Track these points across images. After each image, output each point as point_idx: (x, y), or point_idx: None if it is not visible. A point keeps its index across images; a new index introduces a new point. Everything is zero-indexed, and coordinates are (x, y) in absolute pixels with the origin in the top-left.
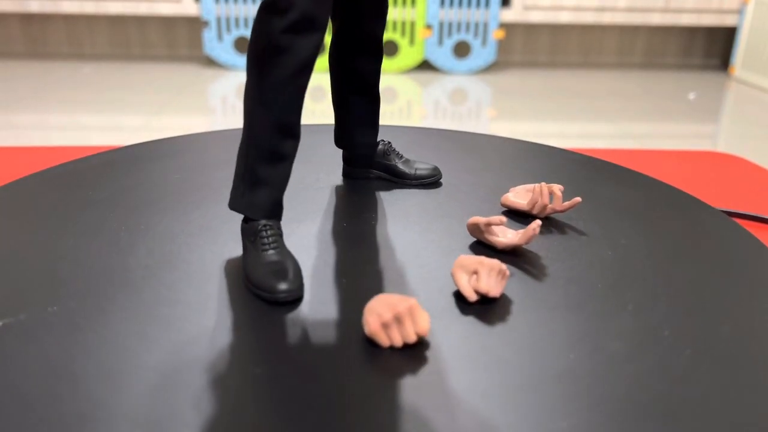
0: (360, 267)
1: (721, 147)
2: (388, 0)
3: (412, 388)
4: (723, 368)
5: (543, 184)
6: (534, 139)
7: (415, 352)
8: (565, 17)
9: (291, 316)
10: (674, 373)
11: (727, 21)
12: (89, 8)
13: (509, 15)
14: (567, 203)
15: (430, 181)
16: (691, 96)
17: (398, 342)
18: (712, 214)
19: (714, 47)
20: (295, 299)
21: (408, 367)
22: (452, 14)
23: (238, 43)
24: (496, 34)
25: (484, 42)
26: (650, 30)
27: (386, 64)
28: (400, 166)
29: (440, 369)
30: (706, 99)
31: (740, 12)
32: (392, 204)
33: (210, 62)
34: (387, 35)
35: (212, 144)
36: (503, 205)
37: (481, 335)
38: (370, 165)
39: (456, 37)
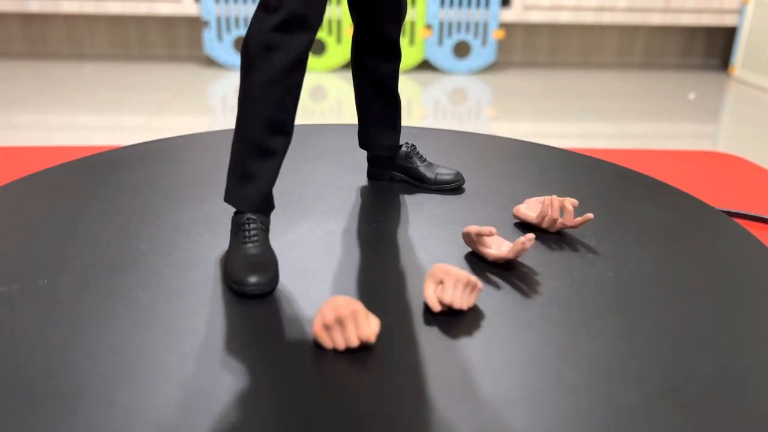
0: (343, 267)
1: (721, 147)
2: (404, 3)
3: (340, 391)
4: (721, 370)
5: (554, 197)
6: (534, 139)
7: (357, 356)
8: (565, 17)
9: (253, 309)
10: (620, 411)
11: (727, 21)
12: (89, 8)
13: (509, 15)
14: (578, 219)
15: (451, 187)
16: (691, 96)
17: (340, 345)
18: (712, 215)
19: (714, 47)
20: (262, 293)
21: (342, 369)
22: (452, 14)
23: (238, 43)
24: (496, 34)
25: (484, 42)
26: (650, 30)
27: None
28: (422, 169)
29: (374, 376)
30: (706, 99)
31: (740, 12)
32: (404, 207)
33: (210, 62)
34: None
35: (212, 144)
36: (515, 216)
37: (431, 347)
38: (393, 167)
39: (456, 37)
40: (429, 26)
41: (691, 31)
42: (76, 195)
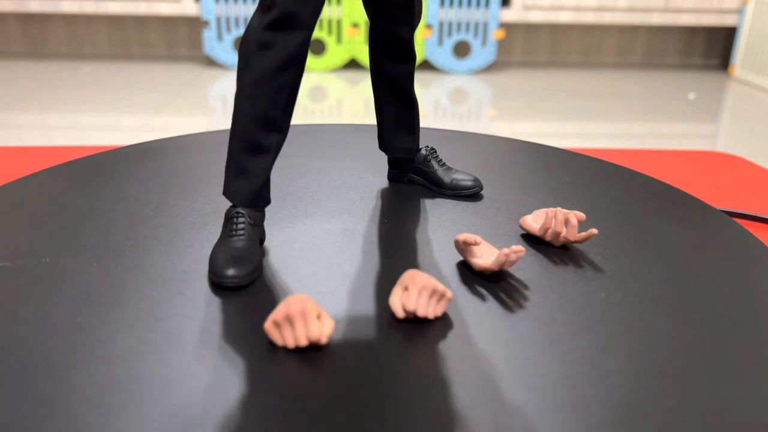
0: (328, 266)
1: (721, 147)
2: (417, 3)
3: (275, 388)
4: (720, 372)
5: (559, 209)
6: (534, 139)
7: (306, 356)
8: (565, 17)
9: (227, 301)
10: None
11: (727, 21)
12: (89, 8)
13: (509, 15)
14: (582, 235)
15: (468, 193)
16: (691, 96)
17: (290, 343)
18: (712, 215)
19: (714, 47)
20: (238, 287)
21: (286, 367)
22: (452, 14)
23: (238, 43)
24: (496, 34)
25: (484, 42)
26: (650, 30)
27: None
28: (438, 174)
29: (316, 376)
30: (706, 99)
31: (740, 12)
32: (412, 210)
33: (210, 62)
34: None
35: (212, 144)
36: (521, 227)
37: (386, 353)
38: (411, 170)
39: (456, 37)
40: (429, 26)
41: (691, 31)
42: (75, 195)
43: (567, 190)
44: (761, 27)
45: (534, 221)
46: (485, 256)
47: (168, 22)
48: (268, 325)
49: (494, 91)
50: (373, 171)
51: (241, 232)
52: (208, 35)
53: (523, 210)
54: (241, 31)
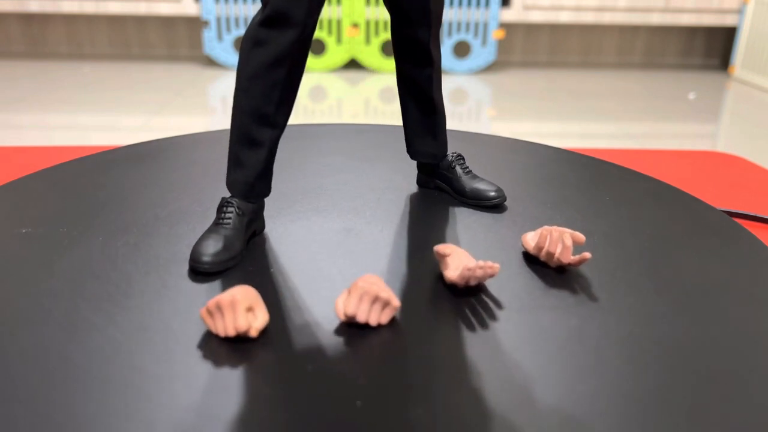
0: (305, 261)
1: (721, 147)
2: (434, 5)
3: (186, 378)
4: (719, 376)
5: (554, 228)
6: (534, 139)
7: (235, 346)
8: (565, 17)
9: (196, 286)
10: None
11: (727, 21)
12: (89, 8)
13: (509, 15)
14: (575, 258)
15: (488, 204)
16: (691, 96)
17: (220, 332)
18: (712, 215)
19: (714, 47)
20: (209, 273)
21: (204, 357)
22: (452, 14)
23: (238, 43)
24: (496, 34)
25: (484, 42)
26: (650, 30)
27: (386, 63)
28: (461, 181)
29: (235, 371)
30: (706, 99)
31: (740, 12)
32: (420, 217)
33: (210, 62)
34: (385, 34)
35: (212, 143)
36: (522, 244)
37: (315, 353)
38: (437, 176)
39: (456, 37)
40: None
41: (691, 31)
42: (75, 195)
43: (564, 189)
44: (761, 27)
45: (533, 239)
46: (455, 269)
47: (168, 22)
48: (203, 311)
49: (494, 91)
50: (405, 174)
51: (227, 221)
52: (208, 35)
53: (530, 223)
54: (241, 31)
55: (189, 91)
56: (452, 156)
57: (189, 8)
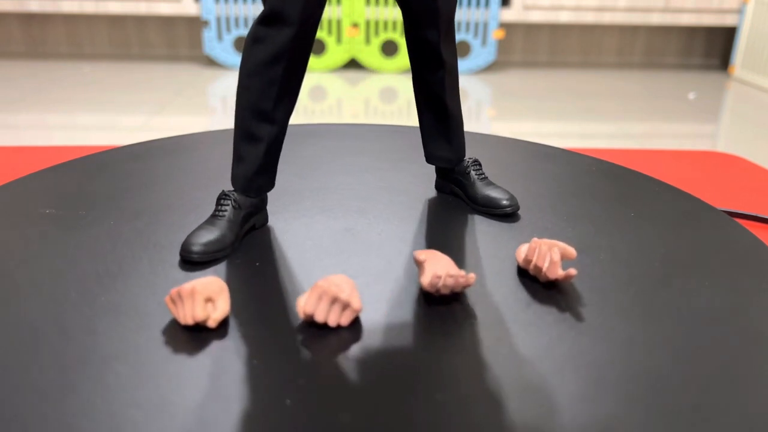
0: (296, 261)
1: (721, 147)
2: (442, 4)
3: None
4: (722, 375)
5: (543, 241)
6: (534, 139)
7: (192, 335)
8: (565, 17)
9: (183, 275)
10: None
11: (727, 21)
12: (89, 8)
13: (509, 15)
14: (561, 274)
15: (499, 212)
16: (691, 96)
17: (181, 319)
18: (713, 215)
19: (714, 47)
20: (198, 262)
21: (161, 342)
22: None
23: (238, 43)
24: (496, 34)
25: (484, 42)
26: (650, 30)
27: (386, 63)
28: (474, 188)
29: (188, 360)
30: (706, 99)
31: (740, 12)
32: (426, 223)
33: (210, 62)
34: (385, 34)
35: (212, 143)
36: (516, 256)
37: (263, 348)
38: (452, 181)
39: (456, 37)
40: None
41: (691, 31)
42: (74, 194)
43: (564, 189)
44: (761, 27)
45: (524, 251)
46: (427, 276)
47: (168, 22)
48: (167, 299)
49: (494, 91)
50: (426, 178)
51: (221, 214)
52: (208, 35)
53: (536, 234)
54: (241, 31)
55: (189, 91)
56: (468, 161)
57: (189, 8)
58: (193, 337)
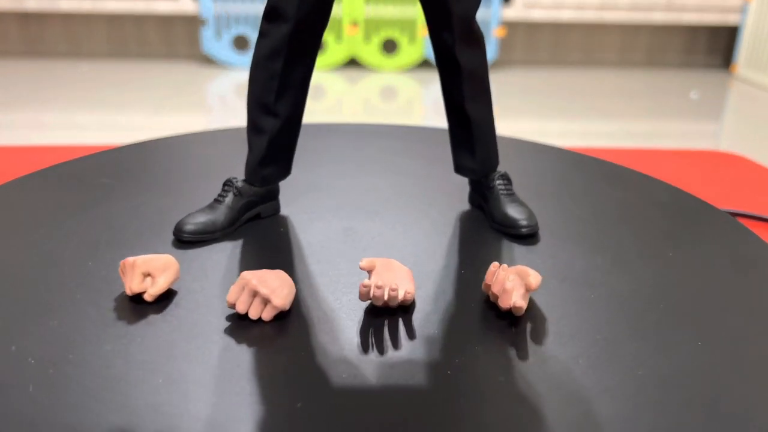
0: (280, 254)
1: (724, 146)
2: (454, 5)
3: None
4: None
5: (503, 267)
6: (535, 138)
7: (139, 309)
8: (566, 15)
9: (175, 252)
10: None
11: (730, 19)
12: (87, 7)
13: (510, 13)
14: (508, 306)
15: (514, 233)
16: (694, 94)
17: (127, 289)
18: (715, 215)
19: (716, 45)
20: (187, 242)
21: (110, 310)
22: None
23: (236, 42)
24: (497, 32)
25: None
26: (652, 28)
27: (386, 62)
28: (495, 204)
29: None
30: (709, 97)
31: (743, 10)
32: (429, 231)
33: (208, 61)
34: (385, 32)
35: (211, 143)
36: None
37: (196, 332)
38: (480, 194)
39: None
40: None
41: (694, 30)
42: (74, 194)
43: (564, 189)
44: (764, 25)
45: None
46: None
47: (166, 21)
48: (120, 268)
49: (496, 89)
50: (457, 187)
51: (220, 199)
52: (206, 34)
53: (533, 257)
54: (239, 29)
55: (187, 90)
56: (496, 175)
57: (187, 7)
58: (134, 309)
